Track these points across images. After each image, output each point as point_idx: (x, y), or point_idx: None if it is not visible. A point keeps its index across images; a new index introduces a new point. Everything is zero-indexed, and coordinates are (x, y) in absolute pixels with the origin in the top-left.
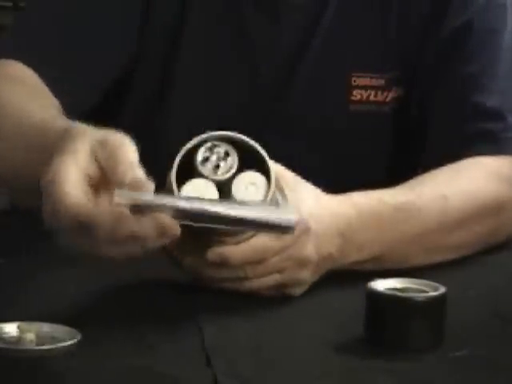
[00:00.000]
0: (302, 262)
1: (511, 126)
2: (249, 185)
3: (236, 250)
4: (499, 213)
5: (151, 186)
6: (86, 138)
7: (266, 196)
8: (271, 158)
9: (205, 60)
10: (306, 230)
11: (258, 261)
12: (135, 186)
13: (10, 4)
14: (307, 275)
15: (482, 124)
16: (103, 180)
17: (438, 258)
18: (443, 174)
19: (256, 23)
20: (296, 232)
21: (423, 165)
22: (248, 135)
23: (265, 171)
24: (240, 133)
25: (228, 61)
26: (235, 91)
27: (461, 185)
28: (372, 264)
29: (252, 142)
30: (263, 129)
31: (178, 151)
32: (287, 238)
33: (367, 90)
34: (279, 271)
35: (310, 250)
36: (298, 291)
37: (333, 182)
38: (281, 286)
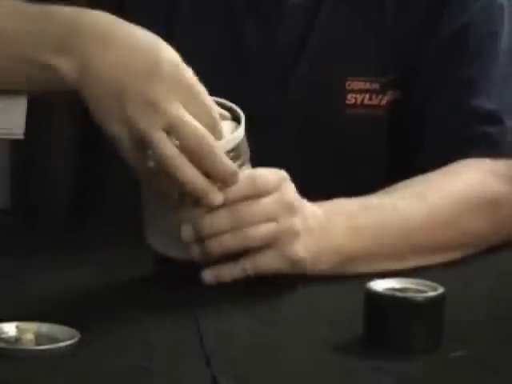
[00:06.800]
0: (291, 208)
1: (509, 129)
2: None
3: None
4: (495, 211)
5: None
6: None
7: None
8: (266, 160)
9: (197, 62)
10: (285, 178)
11: (253, 194)
12: None
13: None
14: (299, 224)
15: (480, 127)
16: None
17: (432, 259)
18: (424, 177)
19: (250, 26)
20: (276, 179)
21: (419, 167)
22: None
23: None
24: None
25: (222, 64)
26: (229, 95)
27: (444, 185)
28: (361, 264)
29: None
30: (258, 132)
31: None
32: (269, 184)
33: (362, 93)
34: (273, 218)
35: (295, 195)
36: (297, 249)
37: (330, 184)
38: (279, 241)
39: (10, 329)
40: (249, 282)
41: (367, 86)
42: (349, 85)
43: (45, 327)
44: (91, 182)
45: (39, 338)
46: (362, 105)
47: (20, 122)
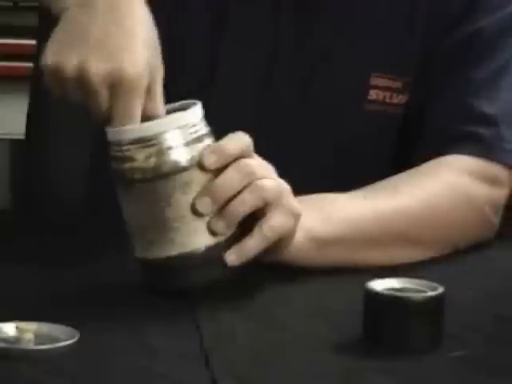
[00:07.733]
0: (272, 169)
1: (502, 135)
2: None
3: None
4: (468, 208)
5: None
6: None
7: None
8: (281, 149)
9: (250, 54)
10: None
11: (247, 151)
12: None
13: (10, 4)
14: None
15: (473, 127)
16: None
17: (421, 251)
18: (400, 174)
19: (291, 29)
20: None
21: (412, 162)
22: (263, 130)
23: None
24: (255, 128)
25: (257, 61)
26: (253, 86)
27: (415, 179)
28: (337, 251)
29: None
30: (277, 125)
31: None
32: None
33: (384, 91)
34: (264, 175)
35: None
36: (296, 203)
37: (339, 176)
38: (279, 198)
39: (10, 329)
40: (248, 282)
41: (390, 83)
42: (373, 80)
43: (44, 327)
44: (92, 181)
45: (39, 338)
46: (383, 102)
47: (20, 122)
